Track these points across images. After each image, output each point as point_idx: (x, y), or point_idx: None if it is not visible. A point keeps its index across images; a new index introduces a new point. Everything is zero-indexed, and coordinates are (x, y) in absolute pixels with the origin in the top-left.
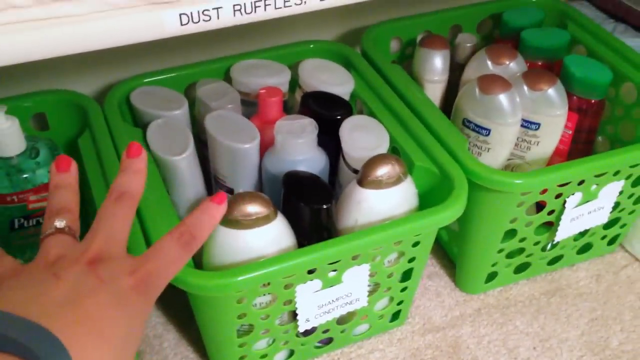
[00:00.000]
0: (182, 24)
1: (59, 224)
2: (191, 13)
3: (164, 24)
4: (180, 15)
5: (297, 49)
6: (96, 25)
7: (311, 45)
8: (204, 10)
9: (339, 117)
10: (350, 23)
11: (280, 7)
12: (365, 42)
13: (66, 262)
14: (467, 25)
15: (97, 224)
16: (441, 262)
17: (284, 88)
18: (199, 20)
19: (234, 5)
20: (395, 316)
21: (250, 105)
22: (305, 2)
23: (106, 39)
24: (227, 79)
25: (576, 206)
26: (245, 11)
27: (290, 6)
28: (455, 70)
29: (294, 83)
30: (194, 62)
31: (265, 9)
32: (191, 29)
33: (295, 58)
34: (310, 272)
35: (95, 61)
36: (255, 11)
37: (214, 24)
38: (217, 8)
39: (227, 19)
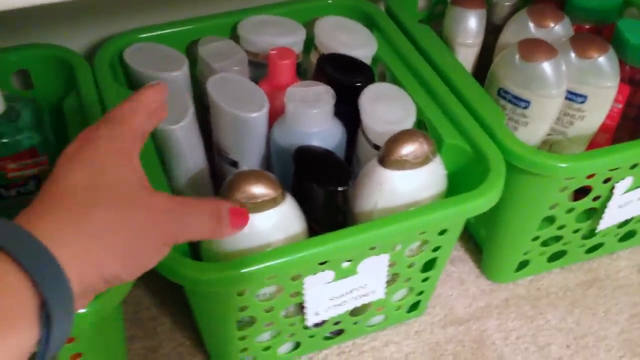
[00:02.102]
0: None
1: None
2: None
3: None
4: None
5: (314, 4)
6: None
7: (330, 1)
8: None
9: (359, 84)
10: None
11: None
12: None
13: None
14: None
15: None
16: (466, 246)
17: (298, 49)
18: None
19: None
20: (414, 306)
21: (259, 68)
22: None
23: None
24: (234, 37)
25: (625, 192)
26: None
27: None
28: (491, 32)
29: (309, 43)
30: (197, 16)
31: None
32: None
33: (311, 15)
34: (321, 262)
35: (88, 13)
36: None
37: None
38: None
39: None
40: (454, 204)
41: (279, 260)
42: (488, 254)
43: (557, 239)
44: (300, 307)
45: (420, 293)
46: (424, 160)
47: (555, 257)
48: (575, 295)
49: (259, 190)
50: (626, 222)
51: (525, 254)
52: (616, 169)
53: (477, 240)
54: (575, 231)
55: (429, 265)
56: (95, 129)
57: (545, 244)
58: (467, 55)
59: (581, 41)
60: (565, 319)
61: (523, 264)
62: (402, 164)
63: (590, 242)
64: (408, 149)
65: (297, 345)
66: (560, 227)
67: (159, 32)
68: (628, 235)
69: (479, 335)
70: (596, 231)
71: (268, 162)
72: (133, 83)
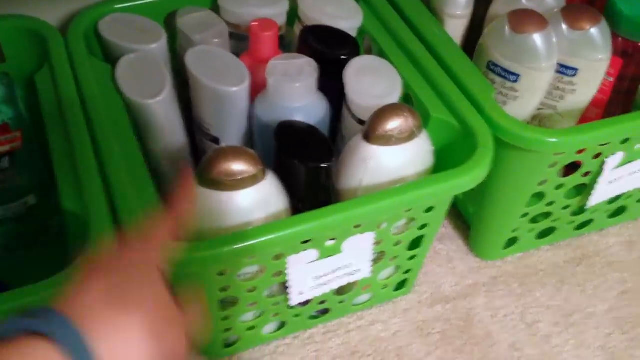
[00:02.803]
0: None
1: None
2: None
3: None
4: None
5: None
6: None
7: None
8: None
9: (343, 57)
10: None
11: None
12: None
13: None
14: None
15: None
16: (454, 223)
17: (281, 20)
18: None
19: None
20: (401, 285)
21: (240, 40)
22: None
23: None
24: (215, 8)
25: (616, 167)
26: None
27: None
28: (482, 3)
29: (293, 15)
30: None
31: None
32: None
33: None
34: (304, 241)
35: None
36: None
37: None
38: None
39: None
40: (441, 180)
41: (259, 239)
42: (476, 231)
43: (546, 215)
44: (284, 287)
45: (407, 271)
46: (409, 136)
47: (544, 234)
48: (564, 272)
49: (238, 167)
50: (616, 198)
51: (513, 230)
52: (607, 143)
53: (465, 218)
54: (565, 207)
55: (415, 243)
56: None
57: (534, 220)
58: (455, 27)
59: (573, 12)
60: (553, 296)
61: (512, 241)
62: (388, 140)
63: (579, 218)
64: (393, 124)
65: (282, 324)
66: (550, 204)
67: (136, 2)
68: (618, 212)
69: (466, 313)
70: (586, 207)
71: (250, 139)
72: (109, 56)
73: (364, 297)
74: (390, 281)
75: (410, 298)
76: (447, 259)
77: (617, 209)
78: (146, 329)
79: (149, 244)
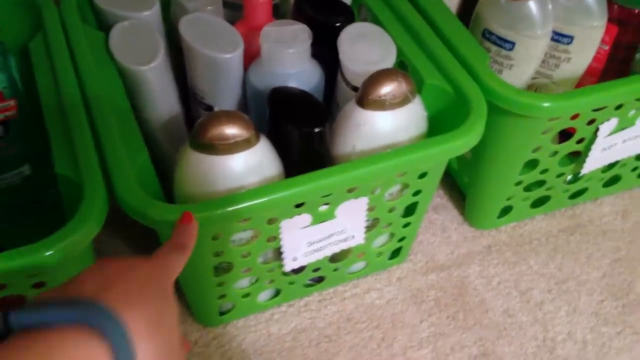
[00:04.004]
0: None
1: None
2: None
3: None
4: None
5: None
6: None
7: None
8: None
9: (338, 24)
10: None
11: None
12: None
13: None
14: None
15: None
16: (449, 193)
17: None
18: None
19: None
20: (396, 253)
21: (234, 9)
22: None
23: None
24: None
25: (610, 134)
26: None
27: None
28: None
29: None
30: None
31: None
32: None
33: None
34: (297, 206)
35: None
36: None
37: None
38: None
39: None
40: (434, 144)
41: (252, 201)
42: (471, 200)
43: (541, 183)
44: (278, 253)
45: (402, 239)
46: (403, 101)
47: (538, 202)
48: (558, 241)
49: (231, 130)
50: (610, 166)
51: (508, 199)
52: (600, 109)
53: (460, 187)
54: (559, 175)
55: (410, 211)
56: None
57: (528, 189)
58: None
59: None
60: (547, 264)
61: (506, 210)
62: (381, 105)
63: (574, 187)
64: (386, 89)
65: (277, 292)
66: (544, 171)
67: None
68: (612, 181)
69: (460, 281)
70: (580, 175)
71: (244, 106)
72: (102, 24)
73: (358, 265)
74: (384, 249)
75: (405, 266)
76: (441, 228)
77: (612, 177)
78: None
79: (167, 261)
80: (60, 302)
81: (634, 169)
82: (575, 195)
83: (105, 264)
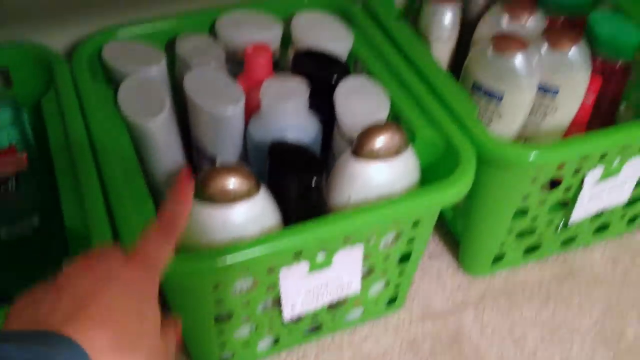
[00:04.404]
0: None
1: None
2: None
3: None
4: None
5: (292, 0)
6: None
7: None
8: None
9: (334, 79)
10: None
11: None
12: None
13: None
14: None
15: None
16: (444, 240)
17: (275, 45)
18: None
19: None
20: (392, 300)
21: (236, 64)
22: None
23: None
24: (213, 33)
25: (596, 183)
26: None
27: None
28: (467, 27)
29: (288, 39)
30: (176, 13)
31: None
32: None
33: (289, 11)
34: (295, 254)
35: (67, 11)
36: None
37: None
38: None
39: None
40: (425, 194)
41: (252, 251)
42: (465, 247)
43: (532, 231)
44: (277, 301)
45: (398, 286)
46: (395, 152)
47: (530, 249)
48: (550, 288)
49: (232, 182)
50: (599, 214)
51: (500, 246)
52: (586, 158)
53: (454, 235)
54: (549, 223)
55: (404, 258)
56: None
57: (520, 236)
58: (442, 49)
59: (553, 33)
60: (540, 311)
61: (499, 257)
62: (375, 156)
63: (564, 234)
64: (380, 141)
65: (276, 340)
66: (534, 219)
67: (138, 29)
68: (602, 228)
69: (455, 328)
70: (569, 223)
71: (246, 157)
72: (111, 80)
73: (356, 313)
74: (381, 296)
75: (401, 314)
76: (437, 275)
77: (601, 225)
78: None
79: (150, 259)
80: (21, 338)
81: (623, 217)
82: (566, 242)
83: (78, 275)
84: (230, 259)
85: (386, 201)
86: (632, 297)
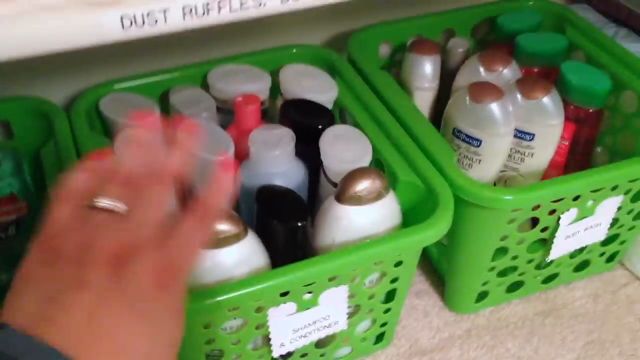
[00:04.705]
0: (124, 28)
1: (121, 207)
2: (134, 15)
3: (103, 27)
4: (121, 17)
5: (279, 53)
6: (26, 28)
7: (294, 50)
8: (149, 13)
9: (319, 127)
10: (340, 27)
11: (237, 10)
12: (351, 46)
13: (97, 259)
14: (460, 29)
15: (132, 209)
16: (430, 279)
17: (264, 95)
18: (143, 24)
19: (183, 7)
20: (380, 338)
21: (227, 114)
22: (263, 4)
23: (37, 44)
24: (205, 86)
25: (571, 223)
26: (196, 14)
27: (248, 9)
28: (448, 77)
29: (277, 90)
30: (170, 67)
31: (219, 12)
32: (135, 33)
33: (277, 63)
34: (283, 294)
35: (67, 67)
36: (207, 13)
37: (162, 28)
38: (164, 10)
39: (176, 22)
40: (406, 235)
41: (240, 291)
42: (450, 286)
43: (513, 269)
44: (267, 339)
45: (384, 324)
46: (377, 196)
47: (513, 287)
48: (533, 324)
49: (221, 226)
50: (579, 251)
51: (483, 284)
52: (559, 200)
53: (440, 274)
54: (529, 261)
55: (390, 297)
56: None
57: (502, 274)
58: (424, 98)
59: (527, 83)
60: (524, 347)
61: (483, 295)
62: (357, 200)
63: (545, 272)
64: (362, 186)
65: None
66: (514, 258)
67: (133, 83)
68: (582, 266)
69: None
70: (547, 261)
71: (236, 204)
72: (108, 131)
73: (344, 351)
74: (368, 334)
75: (389, 351)
76: (424, 313)
77: (581, 262)
78: None
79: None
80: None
81: (601, 254)
82: (548, 280)
83: (97, 281)
84: (219, 299)
85: (367, 243)
86: (613, 332)
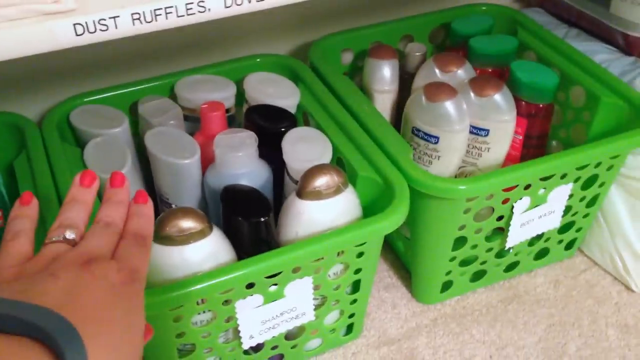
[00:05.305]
0: (77, 34)
1: (70, 235)
2: (86, 23)
3: (57, 34)
4: (74, 25)
5: (244, 63)
6: None
7: (258, 60)
8: (100, 20)
9: (282, 129)
10: (303, 37)
11: (183, 15)
12: (313, 54)
13: (62, 263)
14: (418, 35)
15: (85, 240)
16: (398, 274)
17: (229, 103)
18: (95, 30)
19: (132, 14)
20: (349, 329)
21: (195, 122)
22: (209, 9)
23: None
24: (173, 96)
25: (525, 211)
26: (145, 20)
27: (194, 14)
28: (407, 80)
29: (242, 97)
30: (139, 79)
31: (166, 17)
32: (87, 39)
33: (242, 73)
34: (249, 286)
35: (38, 82)
36: (155, 19)
37: (112, 34)
38: (114, 17)
39: (125, 28)
40: (363, 225)
41: (206, 283)
42: (416, 278)
43: (474, 258)
44: (237, 332)
45: (352, 315)
46: (336, 191)
47: (476, 277)
48: (497, 310)
49: (187, 223)
50: (537, 239)
51: (447, 274)
52: (512, 189)
53: (407, 268)
54: (488, 250)
55: (355, 288)
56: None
57: (464, 264)
58: (384, 100)
59: (479, 82)
60: (488, 332)
61: (447, 285)
62: (317, 195)
63: (506, 260)
64: (321, 181)
65: None
66: (474, 247)
67: (103, 95)
68: (542, 254)
69: (410, 352)
70: (506, 249)
71: (204, 205)
72: (79, 141)
73: (315, 343)
74: (336, 325)
75: (359, 342)
76: (392, 305)
77: (540, 251)
78: None
79: (135, 273)
80: (20, 307)
81: (560, 242)
82: (510, 268)
83: (68, 274)
84: (186, 291)
85: (328, 233)
86: (573, 315)
